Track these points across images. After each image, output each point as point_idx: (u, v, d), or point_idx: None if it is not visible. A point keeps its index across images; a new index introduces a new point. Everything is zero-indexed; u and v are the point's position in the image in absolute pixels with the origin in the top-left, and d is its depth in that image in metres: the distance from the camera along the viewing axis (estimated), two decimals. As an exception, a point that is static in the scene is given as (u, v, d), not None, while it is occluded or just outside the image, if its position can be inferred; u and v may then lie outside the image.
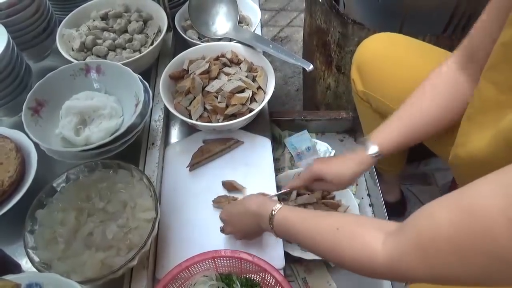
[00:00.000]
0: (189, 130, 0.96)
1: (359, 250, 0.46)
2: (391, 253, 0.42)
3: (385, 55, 0.80)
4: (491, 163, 0.45)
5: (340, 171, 0.69)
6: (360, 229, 0.47)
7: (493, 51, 0.51)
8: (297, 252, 0.83)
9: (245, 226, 0.69)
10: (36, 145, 0.79)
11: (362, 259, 0.45)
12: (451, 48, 0.71)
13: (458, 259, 0.36)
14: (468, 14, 0.86)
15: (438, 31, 0.90)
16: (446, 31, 0.90)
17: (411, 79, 0.72)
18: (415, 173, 1.27)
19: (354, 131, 1.11)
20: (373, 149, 0.67)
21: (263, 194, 0.74)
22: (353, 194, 0.98)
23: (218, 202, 0.81)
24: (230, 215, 0.72)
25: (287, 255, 0.78)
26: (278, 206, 0.61)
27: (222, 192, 0.84)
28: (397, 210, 1.14)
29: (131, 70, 0.83)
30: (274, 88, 0.90)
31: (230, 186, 0.84)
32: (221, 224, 0.75)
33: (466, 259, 0.35)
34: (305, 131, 1.10)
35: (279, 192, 0.80)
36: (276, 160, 1.02)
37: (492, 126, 0.52)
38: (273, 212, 0.61)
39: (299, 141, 1.09)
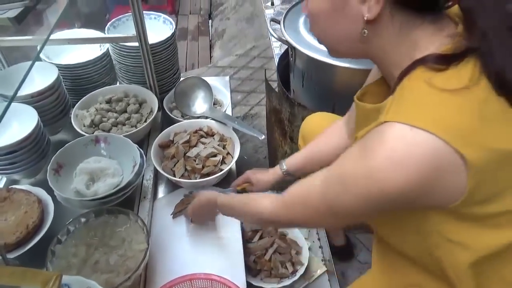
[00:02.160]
0: (173, 186, 1.21)
1: (256, 209, 0.75)
2: (272, 209, 0.71)
3: (321, 127, 1.09)
4: None
5: (261, 177, 1.04)
6: (259, 198, 0.77)
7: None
8: (258, 282, 1.05)
9: (204, 212, 0.99)
10: (53, 198, 1.03)
11: (258, 214, 0.74)
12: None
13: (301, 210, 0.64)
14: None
15: (358, 111, 1.23)
16: (364, 111, 1.23)
17: None
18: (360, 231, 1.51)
19: (306, 188, 1.38)
20: (283, 166, 1.00)
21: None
22: (306, 238, 1.23)
23: (179, 208, 1.09)
24: (193, 208, 1.00)
25: (249, 285, 1.01)
26: (220, 195, 0.91)
27: (195, 232, 1.08)
28: (344, 254, 1.37)
29: (130, 141, 1.11)
30: (246, 156, 1.19)
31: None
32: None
33: (305, 210, 0.63)
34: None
35: (226, 189, 1.11)
36: (243, 212, 1.26)
37: None
38: (217, 198, 0.90)
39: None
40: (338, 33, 0.57)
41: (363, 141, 0.52)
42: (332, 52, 0.63)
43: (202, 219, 1.06)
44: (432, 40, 0.53)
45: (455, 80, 0.48)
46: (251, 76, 2.39)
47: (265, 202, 0.74)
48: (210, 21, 3.46)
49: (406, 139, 0.46)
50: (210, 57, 2.97)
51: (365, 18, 0.52)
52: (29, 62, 1.23)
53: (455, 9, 0.55)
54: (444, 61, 0.49)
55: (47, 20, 0.74)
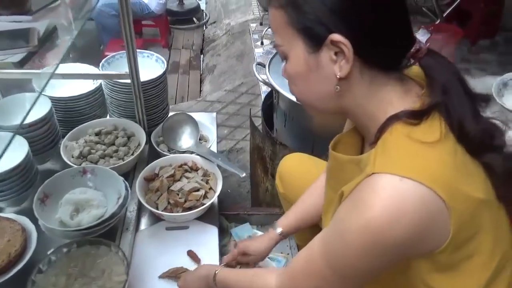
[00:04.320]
0: (156, 219, 1.24)
1: (262, 284, 0.75)
2: (278, 283, 0.71)
3: (296, 167, 1.15)
4: None
5: (258, 246, 1.00)
6: (263, 274, 0.77)
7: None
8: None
9: (197, 284, 0.93)
10: (37, 227, 1.06)
11: None
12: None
13: (308, 281, 0.64)
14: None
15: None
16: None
17: (312, 182, 1.07)
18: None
19: (285, 223, 1.43)
20: (278, 229, 1.00)
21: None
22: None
23: (173, 273, 1.07)
24: (185, 281, 0.98)
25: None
26: (219, 269, 0.89)
27: (175, 265, 1.10)
28: None
29: (116, 173, 1.15)
30: (230, 189, 1.23)
31: (192, 254, 1.12)
32: None
33: (311, 279, 0.63)
34: (247, 223, 1.41)
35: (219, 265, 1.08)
36: (223, 246, 1.30)
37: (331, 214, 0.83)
38: (216, 272, 0.87)
39: (242, 231, 1.38)
40: (314, 91, 0.62)
41: (354, 194, 0.55)
42: (310, 110, 0.68)
43: None
44: (404, 98, 0.60)
45: (430, 134, 0.54)
46: (238, 112, 2.47)
47: (269, 280, 0.73)
48: (201, 56, 3.58)
49: (397, 188, 0.50)
50: (200, 91, 3.06)
51: (337, 76, 0.58)
52: (24, 94, 1.30)
53: (416, 71, 0.63)
54: (416, 116, 0.56)
55: (48, 61, 0.81)
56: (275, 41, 0.63)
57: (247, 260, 1.04)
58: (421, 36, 0.57)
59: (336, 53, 0.57)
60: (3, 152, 0.50)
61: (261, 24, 3.48)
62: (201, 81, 3.20)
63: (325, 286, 0.62)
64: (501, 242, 0.61)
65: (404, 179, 0.50)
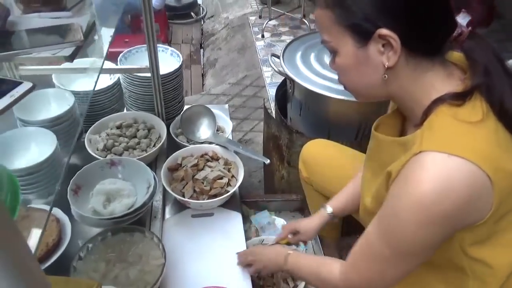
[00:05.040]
0: (180, 208, 1.28)
1: (327, 276, 0.78)
2: (341, 276, 0.74)
3: (320, 152, 1.19)
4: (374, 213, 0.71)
5: (308, 224, 1.06)
6: (328, 263, 0.81)
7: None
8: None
9: (268, 261, 0.97)
10: (70, 217, 1.09)
11: (328, 281, 0.78)
12: (361, 150, 1.12)
13: (369, 264, 0.68)
14: (368, 128, 1.32)
15: (351, 139, 1.35)
16: (356, 139, 1.36)
17: (336, 167, 1.12)
18: (352, 243, 1.61)
19: (302, 209, 1.47)
20: (329, 209, 1.05)
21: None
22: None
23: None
24: (255, 253, 1.02)
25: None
26: (291, 251, 0.92)
27: (204, 250, 1.15)
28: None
29: (144, 164, 1.19)
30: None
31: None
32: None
33: (372, 262, 0.67)
34: (266, 210, 1.45)
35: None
36: (244, 231, 1.34)
37: (370, 195, 0.88)
38: (289, 253, 0.91)
39: (261, 217, 1.43)
40: (363, 81, 0.66)
41: (403, 172, 0.59)
42: (359, 97, 0.72)
43: (265, 269, 1.01)
44: (447, 82, 0.64)
45: (474, 114, 0.58)
46: (244, 104, 2.51)
47: (334, 268, 0.76)
48: (202, 50, 3.60)
49: (445, 164, 0.54)
50: (203, 85, 3.09)
51: (386, 66, 0.62)
52: (45, 90, 1.33)
53: (457, 55, 0.67)
54: (459, 97, 0.60)
55: (91, 55, 0.85)
56: (322, 38, 0.67)
57: (297, 239, 1.09)
58: (462, 19, 0.60)
59: (383, 45, 0.61)
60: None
61: (260, 17, 3.51)
62: (203, 75, 3.23)
63: (387, 268, 0.65)
64: None
65: (451, 156, 0.54)
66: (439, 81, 0.64)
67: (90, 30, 0.81)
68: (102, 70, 1.39)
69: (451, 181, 0.54)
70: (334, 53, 0.67)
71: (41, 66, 1.08)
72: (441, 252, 0.64)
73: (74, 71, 1.12)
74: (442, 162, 0.54)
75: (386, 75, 0.63)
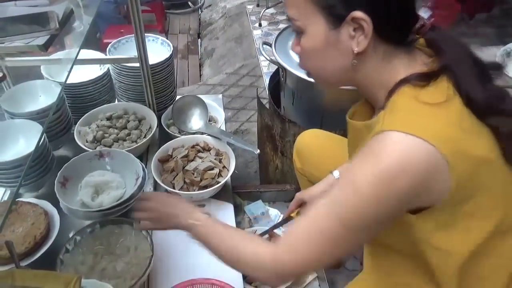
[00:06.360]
0: (171, 199, 1.27)
1: (253, 249, 0.68)
2: (272, 252, 0.65)
3: (314, 143, 1.17)
4: None
5: (314, 191, 1.00)
6: (256, 238, 0.76)
7: None
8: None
9: (164, 213, 0.83)
10: (59, 210, 1.08)
11: (255, 255, 0.67)
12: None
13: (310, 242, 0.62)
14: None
15: (344, 127, 1.32)
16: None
17: (330, 157, 1.09)
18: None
19: (296, 199, 1.46)
20: (336, 173, 1.00)
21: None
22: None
23: None
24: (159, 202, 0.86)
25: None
26: (205, 216, 0.77)
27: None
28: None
29: (132, 155, 1.17)
30: (237, 170, 1.26)
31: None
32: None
33: (315, 239, 0.61)
34: (260, 200, 1.44)
35: (277, 222, 1.11)
36: (237, 223, 1.33)
37: None
38: (207, 213, 0.78)
39: (255, 208, 1.42)
40: (329, 65, 0.65)
41: (364, 150, 0.59)
42: (322, 84, 0.71)
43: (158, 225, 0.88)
44: (412, 66, 0.63)
45: (436, 96, 0.58)
46: (240, 94, 2.49)
47: (264, 245, 0.68)
48: (199, 40, 3.56)
49: (404, 143, 0.55)
50: (200, 75, 3.06)
51: (355, 51, 0.61)
52: (33, 81, 1.31)
53: (423, 44, 0.67)
54: (422, 78, 0.60)
55: (68, 44, 0.82)
56: (289, 15, 0.64)
57: (306, 209, 1.06)
58: (424, 13, 0.63)
59: (354, 29, 0.60)
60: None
61: (257, 5, 3.46)
62: (200, 66, 3.20)
63: (330, 247, 0.61)
64: (504, 206, 0.63)
65: (409, 135, 0.54)
66: (404, 66, 0.64)
67: (67, 19, 0.78)
68: (91, 61, 1.37)
69: (408, 158, 0.54)
70: (300, 33, 0.64)
71: (13, 58, 1.06)
72: (403, 242, 0.64)
73: (48, 62, 1.09)
74: (400, 140, 0.55)
75: (355, 61, 0.63)
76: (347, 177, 0.62)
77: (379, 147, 0.57)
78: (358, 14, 0.58)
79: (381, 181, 0.55)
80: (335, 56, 0.63)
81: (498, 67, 0.69)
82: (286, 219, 1.08)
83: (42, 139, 1.15)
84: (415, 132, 0.54)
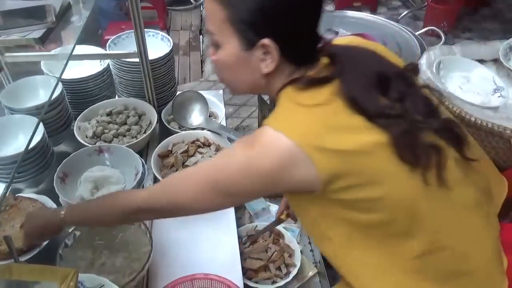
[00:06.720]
0: (172, 195, 1.27)
1: (129, 200, 0.79)
2: (147, 194, 0.78)
3: None
4: None
5: None
6: (131, 191, 0.88)
7: None
8: (254, 284, 1.11)
9: (43, 231, 0.91)
10: (58, 205, 1.08)
11: (131, 204, 0.78)
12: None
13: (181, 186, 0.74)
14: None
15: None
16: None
17: None
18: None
19: (297, 195, 1.46)
20: None
21: None
22: (298, 242, 1.30)
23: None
24: (29, 231, 0.93)
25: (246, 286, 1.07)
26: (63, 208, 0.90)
27: (195, 236, 1.14)
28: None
29: (132, 150, 1.17)
30: (237, 164, 1.24)
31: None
32: None
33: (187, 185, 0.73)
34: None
35: (268, 225, 1.14)
36: (238, 218, 1.33)
37: None
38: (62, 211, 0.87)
39: (256, 203, 1.42)
40: (240, 79, 0.74)
41: (250, 135, 0.68)
42: (233, 92, 0.83)
43: (41, 239, 0.98)
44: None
45: (313, 99, 0.66)
46: (242, 90, 2.48)
47: (139, 192, 0.82)
48: (201, 36, 3.55)
49: (271, 136, 0.64)
50: (202, 72, 3.05)
51: (263, 72, 0.69)
52: (33, 77, 1.31)
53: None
54: (305, 82, 0.67)
55: (65, 39, 0.82)
56: (208, 28, 0.70)
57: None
58: (328, 36, 0.73)
59: (264, 53, 0.67)
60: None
61: None
62: (202, 62, 3.19)
63: (200, 191, 0.71)
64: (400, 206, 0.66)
65: (276, 132, 0.64)
66: (300, 75, 0.71)
67: (65, 12, 0.78)
68: (91, 56, 1.37)
69: (270, 147, 0.64)
70: (216, 46, 0.71)
71: (12, 54, 1.05)
72: (326, 223, 0.70)
73: (48, 58, 1.09)
74: (270, 134, 0.64)
75: (264, 80, 0.70)
76: (230, 149, 0.75)
77: (255, 136, 0.66)
78: (266, 41, 0.64)
79: (248, 161, 0.66)
80: (245, 73, 0.71)
81: (414, 69, 0.75)
82: (277, 222, 1.11)
83: (42, 134, 1.14)
84: (280, 128, 0.64)
